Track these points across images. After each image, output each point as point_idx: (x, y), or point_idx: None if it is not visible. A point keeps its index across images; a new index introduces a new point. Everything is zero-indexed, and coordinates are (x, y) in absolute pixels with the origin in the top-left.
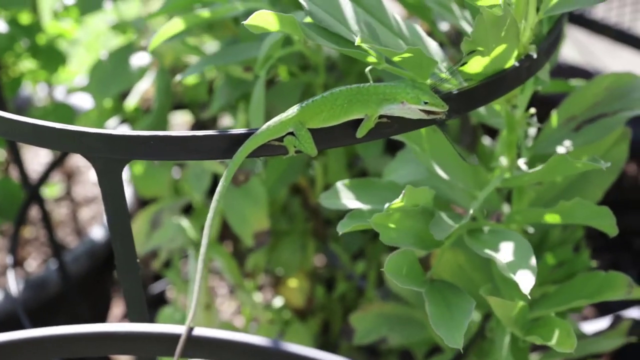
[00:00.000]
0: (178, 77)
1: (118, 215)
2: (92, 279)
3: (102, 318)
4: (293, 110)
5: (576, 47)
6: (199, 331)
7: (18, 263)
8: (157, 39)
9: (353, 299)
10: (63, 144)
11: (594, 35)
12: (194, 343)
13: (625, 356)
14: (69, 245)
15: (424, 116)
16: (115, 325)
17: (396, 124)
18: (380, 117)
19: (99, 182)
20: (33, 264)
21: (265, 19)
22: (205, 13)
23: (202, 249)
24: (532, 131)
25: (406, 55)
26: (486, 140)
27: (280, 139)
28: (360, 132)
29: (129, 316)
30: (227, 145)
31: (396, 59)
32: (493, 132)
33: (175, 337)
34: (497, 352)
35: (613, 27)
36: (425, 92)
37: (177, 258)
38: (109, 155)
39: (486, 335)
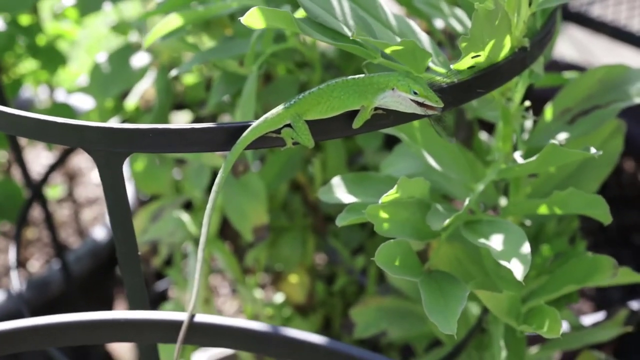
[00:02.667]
0: (173, 73)
1: (119, 207)
2: (94, 279)
3: None
4: (290, 102)
5: (575, 46)
6: (200, 318)
7: (21, 264)
8: (152, 36)
9: (354, 295)
10: (64, 138)
11: (593, 33)
12: (196, 330)
13: (628, 346)
14: (71, 246)
15: (417, 109)
16: (117, 312)
17: (392, 115)
18: (376, 109)
19: (100, 175)
20: (36, 265)
21: (261, 15)
22: (199, 10)
23: (202, 238)
24: (529, 125)
25: (400, 47)
26: (483, 136)
27: (278, 131)
28: (357, 123)
29: (130, 306)
30: (226, 137)
31: (390, 51)
32: (490, 127)
33: (176, 324)
34: (494, 343)
35: (609, 24)
36: (417, 82)
37: (179, 256)
38: (109, 148)
39: (484, 327)
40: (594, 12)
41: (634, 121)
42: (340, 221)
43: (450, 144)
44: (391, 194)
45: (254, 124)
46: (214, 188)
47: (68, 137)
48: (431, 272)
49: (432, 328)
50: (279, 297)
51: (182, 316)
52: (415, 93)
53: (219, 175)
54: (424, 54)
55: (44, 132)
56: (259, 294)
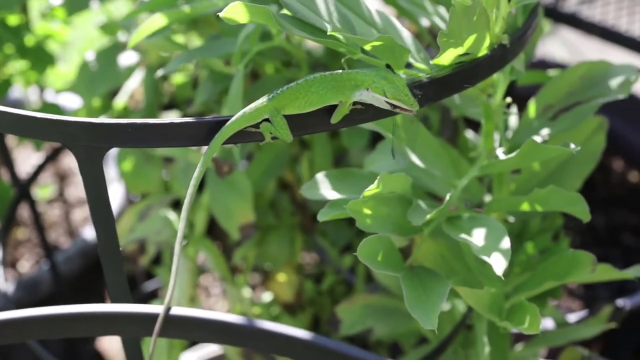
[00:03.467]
0: (159, 73)
1: (100, 202)
2: (85, 279)
3: None
4: (269, 96)
5: (566, 48)
6: (176, 310)
7: (11, 264)
8: (138, 35)
9: (342, 294)
10: (45, 134)
11: (584, 35)
12: (172, 322)
13: (616, 343)
14: (62, 246)
15: (390, 109)
16: (94, 305)
17: (370, 110)
18: (355, 103)
19: (80, 170)
20: (26, 265)
21: (240, 11)
22: (185, 9)
23: (179, 232)
24: (513, 122)
25: (378, 43)
26: (470, 134)
27: (257, 126)
28: (335, 118)
29: (112, 302)
30: (205, 132)
31: (368, 47)
32: (478, 126)
33: (153, 317)
34: (478, 340)
35: (597, 25)
36: (393, 85)
37: (169, 255)
38: (89, 143)
39: (470, 324)
40: (583, 13)
41: (622, 121)
42: (322, 216)
43: (434, 141)
44: (372, 189)
45: (232, 118)
46: (192, 182)
47: (48, 132)
48: (413, 268)
49: (418, 325)
50: (267, 296)
51: (159, 309)
52: (387, 96)
53: (197, 169)
54: (402, 50)
55: (24, 127)
56: (247, 293)
